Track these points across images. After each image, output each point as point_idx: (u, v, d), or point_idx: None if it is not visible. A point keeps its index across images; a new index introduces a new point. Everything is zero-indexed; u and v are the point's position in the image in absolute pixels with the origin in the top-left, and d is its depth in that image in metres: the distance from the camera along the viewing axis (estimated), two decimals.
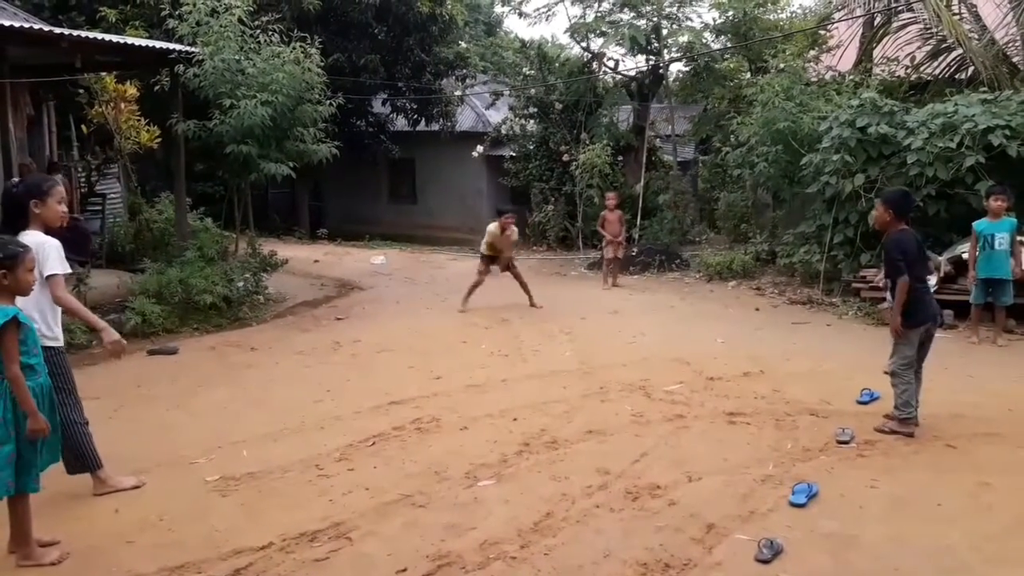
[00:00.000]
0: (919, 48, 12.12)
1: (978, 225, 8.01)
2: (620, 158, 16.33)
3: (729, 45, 16.82)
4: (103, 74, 11.54)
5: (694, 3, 16.67)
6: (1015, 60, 11.24)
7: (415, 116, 20.81)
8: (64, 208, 4.40)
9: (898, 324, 5.37)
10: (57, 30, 8.52)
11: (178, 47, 9.69)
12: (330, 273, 13.60)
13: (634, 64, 17.90)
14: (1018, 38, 11.11)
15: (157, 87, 10.88)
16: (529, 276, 13.07)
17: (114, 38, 9.60)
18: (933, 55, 12.00)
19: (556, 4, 17.35)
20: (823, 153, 10.14)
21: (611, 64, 17.80)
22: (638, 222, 15.28)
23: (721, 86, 16.61)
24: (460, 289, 10.37)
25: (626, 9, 16.43)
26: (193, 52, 9.67)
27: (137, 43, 9.45)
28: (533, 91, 17.60)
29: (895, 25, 12.44)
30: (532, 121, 17.89)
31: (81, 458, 4.45)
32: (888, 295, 5.59)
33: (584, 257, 15.11)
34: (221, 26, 9.77)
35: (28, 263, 3.68)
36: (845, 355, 7.48)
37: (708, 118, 17.41)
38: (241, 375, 7.23)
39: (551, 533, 4.02)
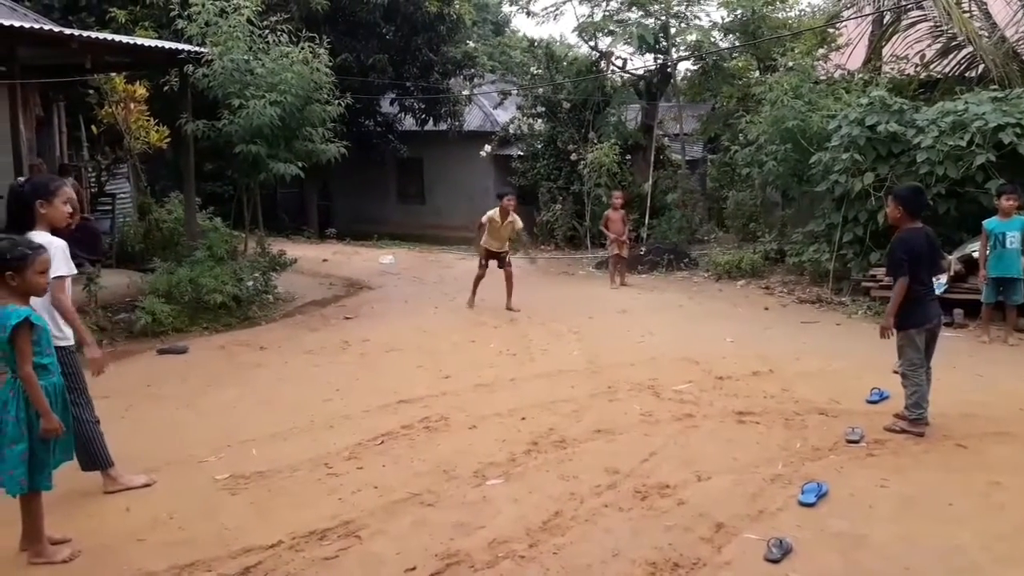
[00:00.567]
0: (929, 46, 12.05)
1: (989, 224, 7.97)
2: (628, 157, 16.32)
3: (737, 44, 16.78)
4: (113, 74, 11.59)
5: (702, 2, 16.66)
6: None
7: (423, 116, 20.82)
8: (70, 209, 4.41)
9: (889, 324, 5.34)
10: (67, 31, 8.57)
11: (187, 47, 9.72)
12: (339, 272, 13.62)
13: (642, 63, 17.93)
14: None
15: (166, 87, 10.93)
16: (537, 275, 13.16)
17: (124, 39, 9.65)
18: (943, 53, 11.93)
19: (564, 3, 17.35)
20: (832, 151, 10.10)
21: (619, 63, 17.79)
22: (646, 221, 15.26)
23: (730, 85, 16.56)
24: (468, 289, 10.36)
25: (634, 8, 16.38)
26: (202, 52, 9.70)
27: (146, 44, 9.49)
28: (541, 90, 17.60)
29: (905, 23, 12.37)
30: (540, 120, 17.90)
31: (92, 456, 4.48)
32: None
33: (592, 256, 15.09)
34: (230, 26, 9.79)
35: (39, 265, 3.68)
36: (854, 354, 7.44)
37: (716, 117, 17.38)
38: (250, 374, 7.25)
39: (560, 532, 4.02)
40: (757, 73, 16.41)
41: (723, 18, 16.82)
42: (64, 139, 12.30)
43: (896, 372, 5.60)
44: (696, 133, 18.41)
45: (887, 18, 12.71)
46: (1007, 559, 3.73)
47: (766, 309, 10.06)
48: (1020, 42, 11.26)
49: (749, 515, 4.17)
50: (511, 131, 18.50)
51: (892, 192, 5.78)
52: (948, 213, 9.16)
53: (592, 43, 17.43)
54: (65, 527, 4.04)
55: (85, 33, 9.18)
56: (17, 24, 8.10)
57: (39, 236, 4.11)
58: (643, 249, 14.09)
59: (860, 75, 12.27)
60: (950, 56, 11.86)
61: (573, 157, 16.28)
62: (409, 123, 21.48)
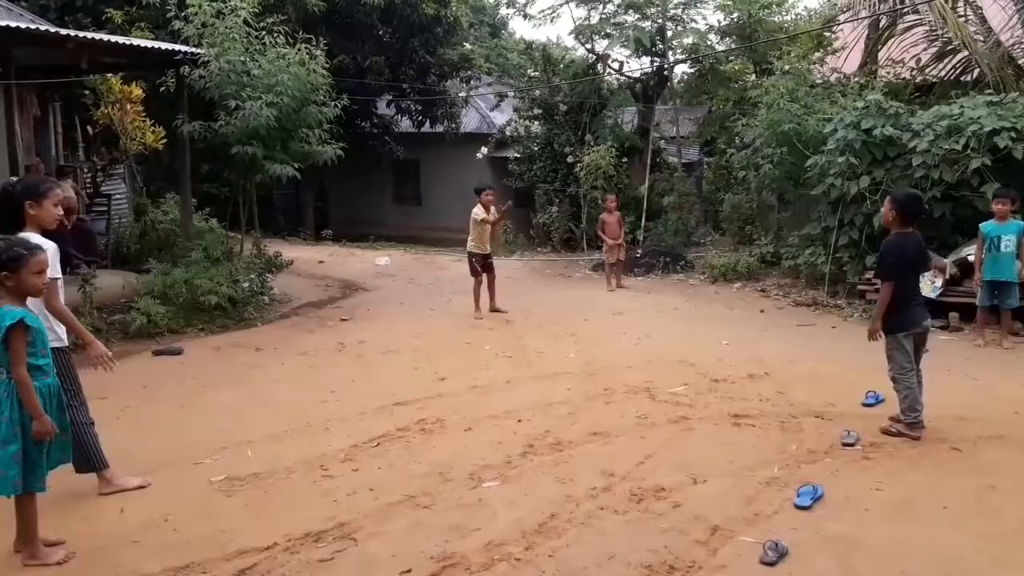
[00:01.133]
0: (924, 50, 12.11)
1: (985, 227, 7.99)
2: (625, 160, 16.33)
3: (734, 47, 16.82)
4: (109, 75, 11.59)
5: (699, 5, 16.69)
6: (1021, 62, 11.21)
7: (420, 117, 20.82)
8: (61, 211, 4.37)
9: (876, 328, 5.36)
10: (63, 31, 8.56)
11: (184, 48, 9.72)
12: (335, 274, 13.61)
13: (639, 66, 17.94)
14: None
15: (163, 88, 10.92)
16: (533, 277, 13.17)
17: (120, 39, 9.63)
18: (938, 57, 11.98)
19: (561, 6, 17.36)
20: (828, 155, 10.12)
21: (616, 66, 17.82)
22: (643, 224, 15.27)
23: (726, 88, 16.61)
24: (464, 290, 10.34)
25: (631, 11, 16.42)
26: (199, 53, 9.69)
27: (143, 44, 9.49)
28: (538, 93, 17.60)
29: (900, 27, 12.43)
30: (537, 123, 17.90)
31: (87, 458, 4.46)
32: None
33: (588, 258, 15.10)
34: (227, 28, 9.79)
35: (34, 265, 3.66)
36: (850, 357, 7.45)
37: (713, 120, 17.41)
38: (246, 376, 7.24)
39: (555, 535, 4.01)
40: (753, 76, 16.47)
41: (719, 21, 16.91)
42: (60, 140, 12.29)
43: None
44: (692, 136, 18.43)
45: (883, 22, 12.75)
46: (1002, 562, 3.73)
47: (762, 312, 10.07)
48: (1015, 46, 11.31)
49: (745, 518, 4.17)
50: (508, 133, 18.49)
51: (889, 194, 5.79)
52: (943, 217, 9.18)
53: (589, 46, 17.46)
54: (60, 529, 4.03)
55: (81, 33, 9.16)
56: (13, 24, 8.08)
57: (29, 237, 4.09)
58: (639, 252, 14.09)
59: (856, 79, 12.31)
60: (945, 60, 11.91)
61: (570, 159, 16.29)
62: (406, 125, 21.47)
